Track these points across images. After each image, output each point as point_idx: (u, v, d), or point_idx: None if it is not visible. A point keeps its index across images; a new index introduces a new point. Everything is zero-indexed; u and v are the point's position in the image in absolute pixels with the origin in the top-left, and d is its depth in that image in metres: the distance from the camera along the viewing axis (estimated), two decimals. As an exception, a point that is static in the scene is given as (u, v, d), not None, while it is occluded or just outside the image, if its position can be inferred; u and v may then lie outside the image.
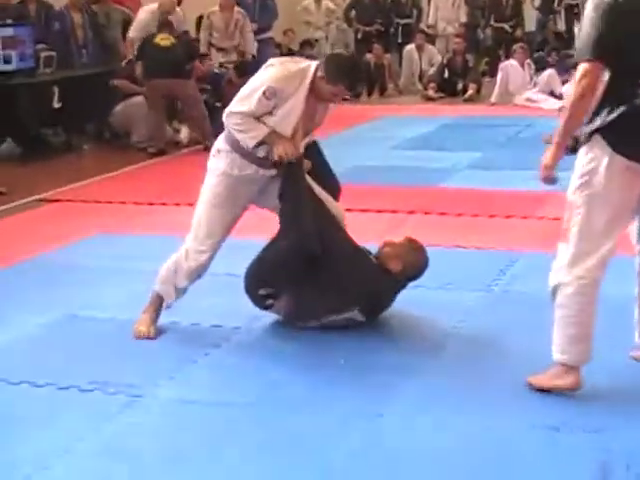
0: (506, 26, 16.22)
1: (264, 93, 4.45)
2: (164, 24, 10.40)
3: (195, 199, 7.14)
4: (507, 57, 14.23)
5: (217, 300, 5.12)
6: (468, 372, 4.29)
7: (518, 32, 16.20)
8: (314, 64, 4.58)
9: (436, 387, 4.15)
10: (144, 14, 10.80)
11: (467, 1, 16.53)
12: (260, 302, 4.81)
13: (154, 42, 10.12)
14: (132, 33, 10.84)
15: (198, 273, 4.80)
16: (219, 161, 4.70)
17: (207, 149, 9.68)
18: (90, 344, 4.74)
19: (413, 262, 4.85)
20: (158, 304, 4.89)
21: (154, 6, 10.74)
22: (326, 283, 4.67)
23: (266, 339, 4.78)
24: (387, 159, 9.35)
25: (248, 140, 4.52)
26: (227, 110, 4.57)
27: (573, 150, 9.69)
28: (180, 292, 4.85)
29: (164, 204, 7.61)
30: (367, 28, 16.42)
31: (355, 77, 4.63)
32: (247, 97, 4.51)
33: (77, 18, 11.06)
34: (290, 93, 4.48)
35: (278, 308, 4.81)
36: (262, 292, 4.74)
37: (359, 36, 16.43)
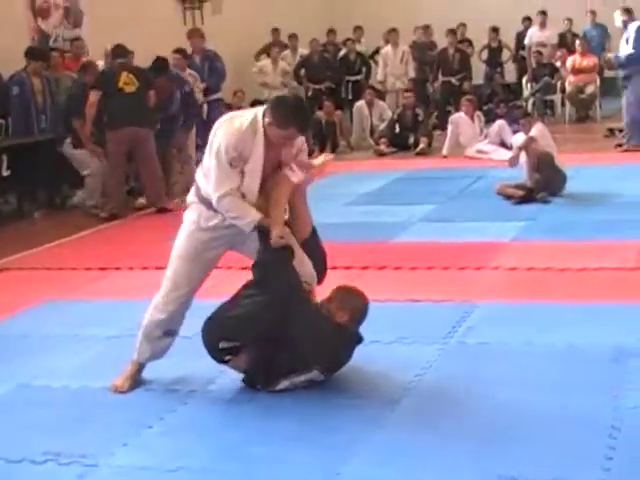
0: (453, 80, 16.41)
1: (230, 164, 4.47)
2: (121, 54, 10.17)
3: (149, 262, 7.11)
4: (457, 110, 14.34)
5: (172, 363, 5.03)
6: (427, 426, 4.25)
7: (465, 85, 16.38)
8: (260, 111, 4.56)
9: (395, 443, 4.10)
10: None
11: (415, 57, 16.72)
12: (218, 355, 4.74)
13: (117, 87, 9.84)
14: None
15: (167, 327, 4.79)
16: (190, 213, 4.74)
17: (160, 211, 9.75)
18: (43, 414, 4.64)
19: (355, 305, 4.81)
20: (138, 366, 4.91)
21: None
22: (287, 344, 4.62)
23: (222, 402, 4.70)
24: (341, 216, 9.34)
25: (244, 227, 4.56)
26: (214, 196, 4.52)
27: (524, 200, 9.76)
28: (155, 341, 4.82)
29: (117, 269, 7.52)
30: (317, 86, 16.53)
31: (304, 118, 4.62)
32: (221, 175, 4.48)
33: (37, 83, 10.87)
34: (249, 150, 4.49)
35: (236, 364, 4.75)
36: (223, 345, 4.66)
37: (309, 94, 16.53)
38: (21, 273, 7.69)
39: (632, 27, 12.38)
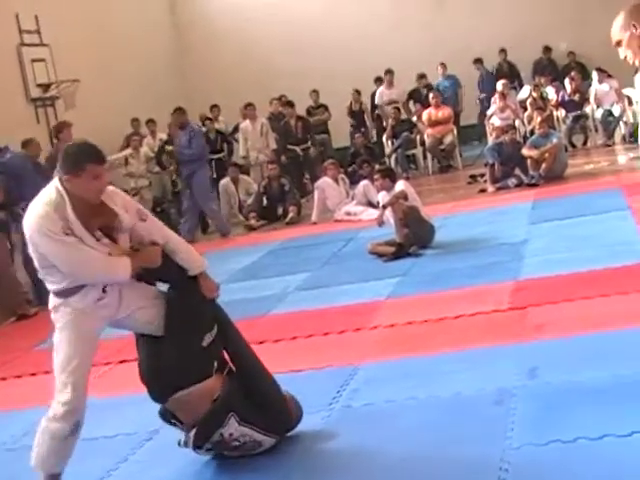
0: (297, 149, 16.53)
1: (66, 234, 4.19)
2: None
3: (22, 371, 6.88)
4: (316, 177, 14.43)
5: (93, 464, 4.84)
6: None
7: (311, 152, 16.54)
8: (56, 181, 4.31)
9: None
10: None
11: (274, 128, 16.81)
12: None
13: None
14: None
15: (75, 416, 4.36)
16: (60, 314, 4.42)
17: (20, 318, 9.45)
18: None
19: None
20: None
21: None
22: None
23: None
24: (216, 295, 9.22)
25: (121, 277, 4.36)
26: (83, 276, 4.33)
27: (396, 256, 9.76)
28: (64, 440, 4.39)
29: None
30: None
31: (93, 150, 4.32)
32: (71, 254, 4.25)
33: None
34: (70, 221, 4.23)
35: None
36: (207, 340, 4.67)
37: (174, 177, 16.47)
38: None
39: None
